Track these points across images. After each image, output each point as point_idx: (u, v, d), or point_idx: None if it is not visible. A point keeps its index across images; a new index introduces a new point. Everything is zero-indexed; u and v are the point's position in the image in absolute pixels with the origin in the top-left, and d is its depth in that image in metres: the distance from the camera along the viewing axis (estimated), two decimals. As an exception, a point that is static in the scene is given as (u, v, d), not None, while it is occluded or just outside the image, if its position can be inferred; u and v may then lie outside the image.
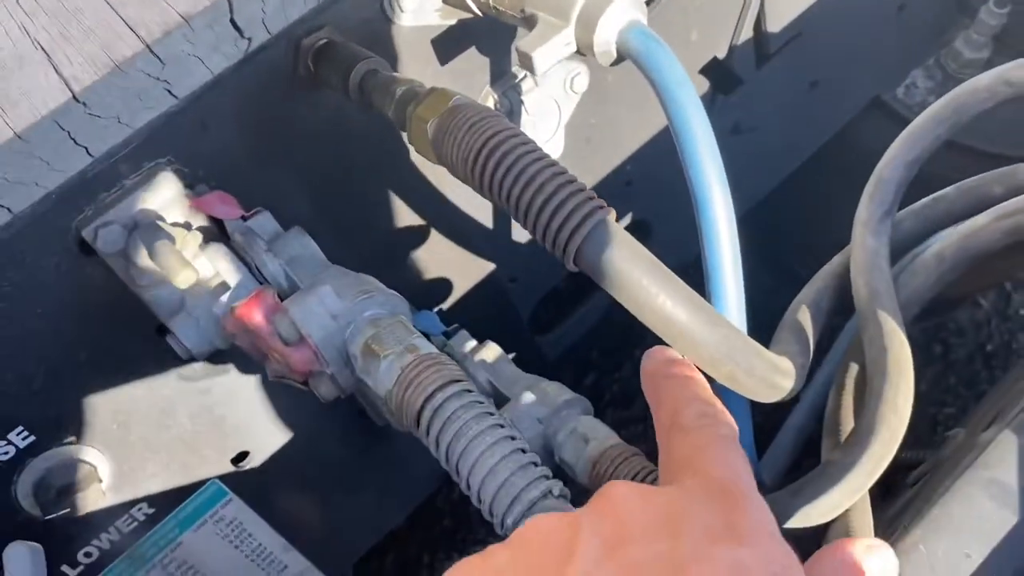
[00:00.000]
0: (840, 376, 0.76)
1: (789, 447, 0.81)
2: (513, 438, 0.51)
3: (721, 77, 1.03)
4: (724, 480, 0.43)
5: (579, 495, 0.59)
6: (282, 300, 0.61)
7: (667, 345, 0.53)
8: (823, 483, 0.61)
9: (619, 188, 1.02)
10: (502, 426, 0.51)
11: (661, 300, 0.51)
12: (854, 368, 0.75)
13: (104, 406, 0.75)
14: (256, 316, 0.57)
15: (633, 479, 0.66)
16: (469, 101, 0.58)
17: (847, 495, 0.61)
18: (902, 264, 0.85)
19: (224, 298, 0.60)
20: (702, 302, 0.53)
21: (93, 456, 0.76)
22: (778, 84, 1.08)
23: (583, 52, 0.65)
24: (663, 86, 0.60)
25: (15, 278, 0.66)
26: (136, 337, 0.73)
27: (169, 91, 0.50)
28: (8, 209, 0.48)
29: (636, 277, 0.51)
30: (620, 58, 0.64)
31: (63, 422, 0.73)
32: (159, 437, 0.79)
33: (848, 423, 0.71)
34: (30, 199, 0.49)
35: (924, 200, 0.84)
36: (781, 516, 0.60)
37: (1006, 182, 0.80)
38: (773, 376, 0.56)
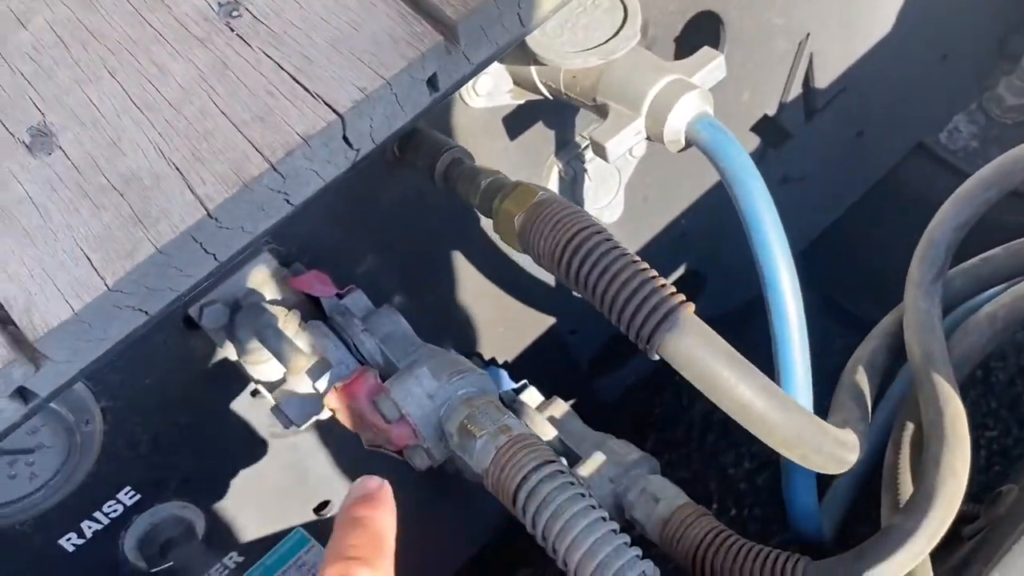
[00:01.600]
0: (897, 433, 0.79)
1: (846, 495, 0.85)
2: (605, 519, 0.55)
3: (771, 132, 1.07)
4: None
5: (647, 549, 0.63)
6: (381, 379, 0.66)
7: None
8: (886, 548, 0.65)
9: (675, 240, 1.06)
10: (594, 507, 0.55)
11: (740, 390, 0.55)
12: (910, 427, 0.79)
13: (203, 465, 0.80)
14: (359, 396, 0.62)
15: (702, 540, 0.70)
16: (554, 196, 0.63)
17: (910, 558, 0.65)
18: (954, 317, 0.89)
19: (327, 376, 0.65)
20: (775, 390, 0.57)
21: (192, 512, 0.81)
22: (825, 135, 1.12)
23: (652, 139, 0.70)
24: (732, 176, 0.64)
25: (127, 353, 0.71)
26: (233, 401, 0.79)
27: (287, 200, 0.55)
28: (146, 312, 0.53)
29: (715, 368, 0.55)
30: (688, 146, 0.69)
31: (166, 481, 0.79)
32: (250, 491, 0.84)
33: (906, 481, 0.75)
34: (165, 302, 0.54)
35: (973, 260, 0.88)
36: (847, 578, 0.64)
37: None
38: (840, 452, 0.60)
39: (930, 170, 1.28)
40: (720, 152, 0.65)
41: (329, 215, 0.77)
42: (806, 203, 1.18)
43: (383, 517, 0.50)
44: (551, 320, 1.01)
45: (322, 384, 0.65)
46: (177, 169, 0.54)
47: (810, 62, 1.04)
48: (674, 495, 0.74)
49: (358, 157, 0.57)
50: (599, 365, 1.14)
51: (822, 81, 1.07)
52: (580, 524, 0.53)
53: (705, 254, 1.10)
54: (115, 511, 0.77)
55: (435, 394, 0.61)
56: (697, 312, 0.57)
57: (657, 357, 0.57)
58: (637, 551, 0.53)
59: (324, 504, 0.92)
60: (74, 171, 0.55)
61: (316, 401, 0.67)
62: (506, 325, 0.96)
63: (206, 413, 0.78)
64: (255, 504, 0.86)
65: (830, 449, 0.59)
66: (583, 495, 0.55)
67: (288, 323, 0.68)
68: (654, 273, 0.58)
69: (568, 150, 0.88)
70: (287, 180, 0.54)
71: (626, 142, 0.69)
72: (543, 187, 0.64)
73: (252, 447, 0.82)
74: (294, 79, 0.56)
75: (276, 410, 0.67)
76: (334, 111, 0.54)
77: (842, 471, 0.63)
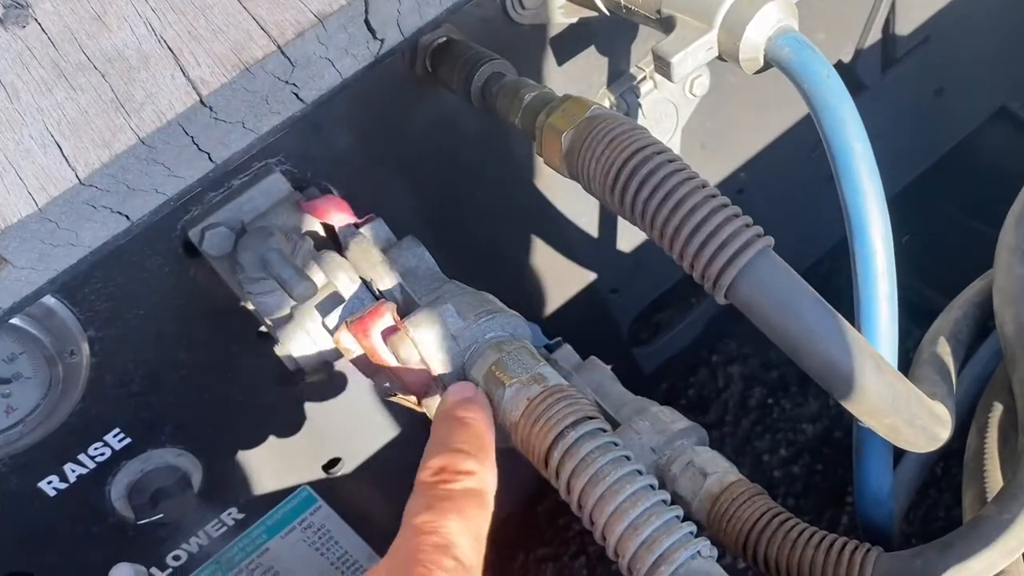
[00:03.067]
0: (982, 416, 0.70)
1: (914, 481, 0.76)
2: (653, 487, 0.46)
3: (845, 82, 0.96)
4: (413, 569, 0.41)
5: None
6: (399, 316, 0.58)
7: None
8: (976, 541, 0.56)
9: (731, 195, 0.95)
10: (641, 472, 0.47)
11: (826, 344, 0.46)
12: (998, 409, 0.69)
13: (201, 410, 0.73)
14: (373, 333, 0.54)
15: (756, 522, 0.62)
16: (609, 111, 0.54)
17: (1003, 555, 0.56)
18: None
19: (338, 311, 0.57)
20: (867, 347, 0.48)
21: (188, 461, 0.74)
22: (903, 90, 1.02)
23: (725, 58, 0.61)
24: (818, 100, 0.55)
25: (118, 279, 0.64)
26: (237, 341, 0.71)
27: (297, 95, 0.47)
28: (127, 216, 0.45)
29: (798, 318, 0.46)
30: (767, 66, 0.59)
31: (160, 425, 0.71)
32: (253, 442, 0.77)
33: (995, 470, 0.65)
34: (149, 207, 0.46)
35: (1077, 226, 0.78)
36: (930, 573, 0.55)
37: None
38: (934, 427, 0.51)
39: (1012, 138, 1.17)
40: (806, 72, 0.55)
41: (351, 136, 0.68)
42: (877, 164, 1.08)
43: (484, 419, 0.49)
44: (591, 276, 0.92)
45: (332, 320, 0.57)
46: (169, 48, 0.45)
47: (892, 5, 0.94)
48: (726, 469, 0.65)
49: (381, 50, 0.49)
50: (639, 332, 1.05)
51: (904, 28, 0.96)
52: (625, 492, 0.45)
53: (764, 213, 0.99)
54: (102, 455, 0.69)
55: (460, 335, 0.53)
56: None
57: (725, 300, 0.48)
58: (691, 527, 0.45)
59: (334, 462, 0.84)
60: (50, 47, 0.47)
61: (325, 341, 0.58)
62: (542, 277, 0.87)
63: (207, 352, 0.70)
64: (258, 457, 0.78)
65: (924, 422, 0.50)
66: (628, 457, 0.47)
67: (299, 252, 0.59)
68: (726, 201, 0.49)
69: (622, 82, 0.79)
70: (297, 68, 0.46)
71: (695, 58, 0.60)
72: (597, 103, 0.55)
73: (257, 394, 0.75)
74: (312, -49, 0.47)
75: (282, 349, 0.59)
76: (356, -12, 0.46)
77: (933, 449, 0.54)
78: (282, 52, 0.45)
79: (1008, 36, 1.10)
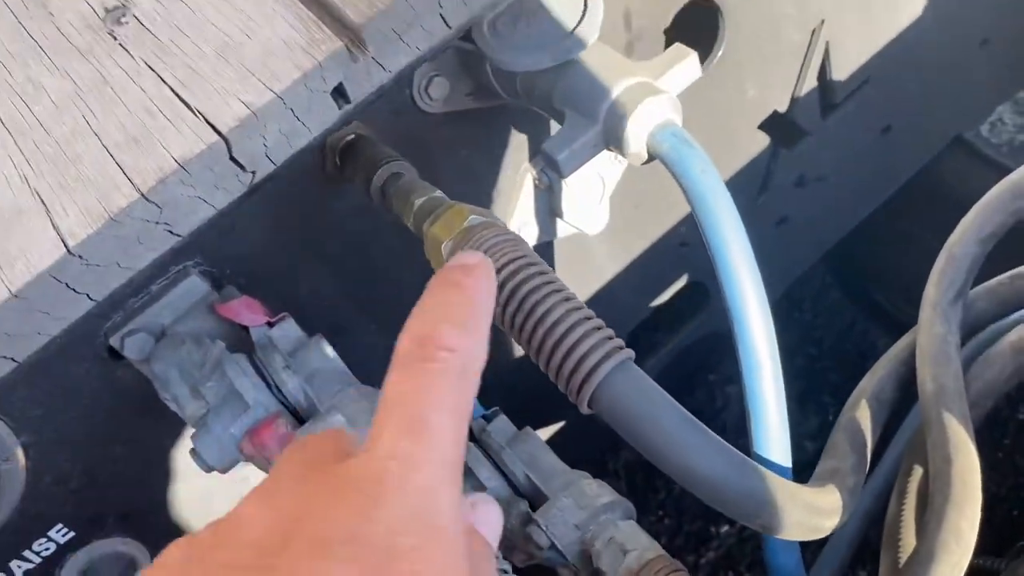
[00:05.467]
0: (902, 480, 0.70)
1: (845, 550, 0.76)
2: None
3: (783, 130, 0.97)
4: (377, 458, 0.34)
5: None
6: (301, 419, 0.60)
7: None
8: (874, 621, 0.57)
9: (674, 250, 0.97)
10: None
11: (684, 454, 0.47)
12: (917, 471, 0.70)
13: (143, 499, 0.75)
14: (269, 444, 0.56)
15: (674, 599, 0.63)
16: (485, 220, 0.55)
17: (902, 635, 0.57)
18: (977, 343, 0.79)
19: (243, 418, 0.59)
20: (729, 452, 0.49)
21: (133, 547, 0.76)
22: (847, 132, 1.02)
23: (613, 151, 0.62)
24: (696, 195, 0.56)
25: (47, 386, 0.66)
26: (170, 431, 0.73)
27: (171, 231, 0.49)
28: (12, 359, 0.48)
29: (657, 428, 0.47)
30: (652, 158, 0.60)
31: (103, 517, 0.74)
32: (198, 525, 0.79)
33: (909, 538, 0.66)
34: (34, 347, 0.48)
35: (999, 278, 0.78)
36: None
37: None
38: (812, 520, 0.52)
39: (970, 166, 1.16)
40: (683, 167, 0.57)
41: (268, 232, 0.70)
42: (828, 204, 1.08)
43: (485, 287, 0.42)
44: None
45: (237, 428, 0.59)
46: (42, 200, 0.48)
47: (826, 52, 0.94)
48: (645, 546, 0.66)
49: (255, 179, 0.51)
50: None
51: (841, 73, 0.97)
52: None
53: (707, 265, 1.01)
54: (47, 549, 0.72)
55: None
56: (638, 361, 0.49)
57: (588, 410, 0.49)
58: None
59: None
60: (-69, 201, 0.49)
61: (234, 445, 0.60)
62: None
63: (142, 445, 0.73)
64: (206, 537, 0.80)
65: (799, 517, 0.51)
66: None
67: (208, 357, 0.62)
68: (590, 314, 0.50)
69: (542, 157, 0.80)
70: (165, 210, 0.48)
71: (581, 155, 0.61)
72: (480, 209, 0.57)
73: (197, 480, 0.77)
74: (176, 94, 0.49)
75: (194, 453, 0.61)
76: (216, 131, 0.48)
77: (817, 538, 0.54)
78: (146, 198, 0.47)
79: (950, 69, 1.10)
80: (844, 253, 1.24)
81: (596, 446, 1.17)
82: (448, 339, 0.39)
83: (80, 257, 0.46)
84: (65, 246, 0.46)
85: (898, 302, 1.45)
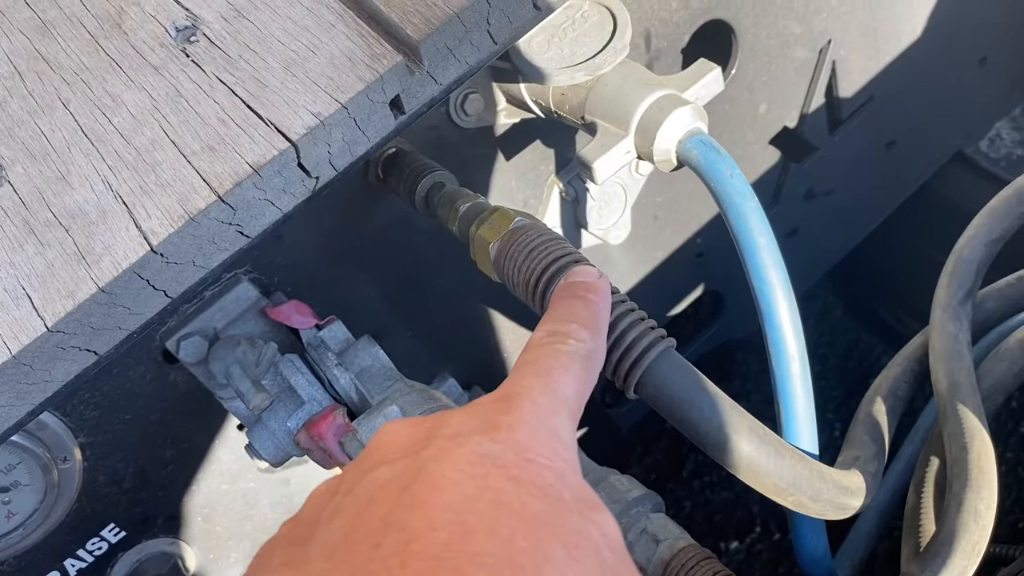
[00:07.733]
0: (920, 471, 0.73)
1: (867, 538, 0.79)
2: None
3: (793, 145, 1.01)
4: (509, 389, 0.40)
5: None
6: (353, 414, 0.63)
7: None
8: (899, 600, 0.60)
9: (690, 260, 1.01)
10: None
11: (724, 432, 0.50)
12: (935, 463, 0.73)
13: (190, 500, 0.78)
14: (326, 436, 0.59)
15: (706, 586, 0.66)
16: (531, 222, 0.59)
17: (927, 612, 0.59)
18: (987, 343, 0.82)
19: (299, 413, 0.62)
20: (765, 432, 0.52)
21: (180, 548, 0.79)
22: (853, 147, 1.06)
23: (643, 159, 0.66)
24: (724, 198, 0.60)
25: (104, 388, 0.69)
26: (219, 435, 0.77)
27: (241, 232, 0.52)
28: (95, 352, 0.51)
29: (698, 410, 0.51)
30: (680, 165, 0.64)
31: (153, 518, 0.76)
32: (242, 527, 0.82)
33: (929, 524, 0.69)
34: (115, 341, 0.51)
35: (1008, 278, 0.81)
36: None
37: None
38: (840, 498, 0.55)
39: (970, 180, 1.20)
40: (712, 172, 0.60)
41: (313, 242, 0.74)
42: (836, 218, 1.13)
43: (604, 299, 0.49)
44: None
45: (293, 423, 0.62)
46: (124, 203, 0.51)
47: (833, 71, 0.99)
48: (676, 535, 0.69)
49: (318, 185, 0.54)
50: (612, 393, 1.10)
51: (847, 90, 1.01)
52: None
53: (724, 274, 1.05)
54: (100, 548, 0.75)
55: (407, 434, 0.58)
56: (680, 350, 0.52)
57: (635, 396, 0.52)
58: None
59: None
60: (21, 206, 0.53)
61: (288, 439, 0.64)
62: (508, 353, 0.92)
63: (192, 448, 0.76)
64: (248, 539, 0.83)
65: (829, 496, 0.54)
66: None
67: (263, 358, 0.65)
68: (633, 306, 0.53)
69: (569, 169, 0.84)
70: (238, 211, 0.51)
71: (615, 162, 0.65)
72: (522, 213, 0.61)
73: (242, 482, 0.80)
74: (247, 105, 0.53)
75: (250, 448, 0.64)
76: (286, 138, 0.51)
77: (845, 517, 0.58)
78: (223, 200, 0.50)
79: (958, 85, 1.15)
80: (847, 271, 1.28)
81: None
82: (577, 333, 0.45)
83: (161, 255, 0.50)
84: (148, 244, 0.49)
85: (900, 315, 1.49)
